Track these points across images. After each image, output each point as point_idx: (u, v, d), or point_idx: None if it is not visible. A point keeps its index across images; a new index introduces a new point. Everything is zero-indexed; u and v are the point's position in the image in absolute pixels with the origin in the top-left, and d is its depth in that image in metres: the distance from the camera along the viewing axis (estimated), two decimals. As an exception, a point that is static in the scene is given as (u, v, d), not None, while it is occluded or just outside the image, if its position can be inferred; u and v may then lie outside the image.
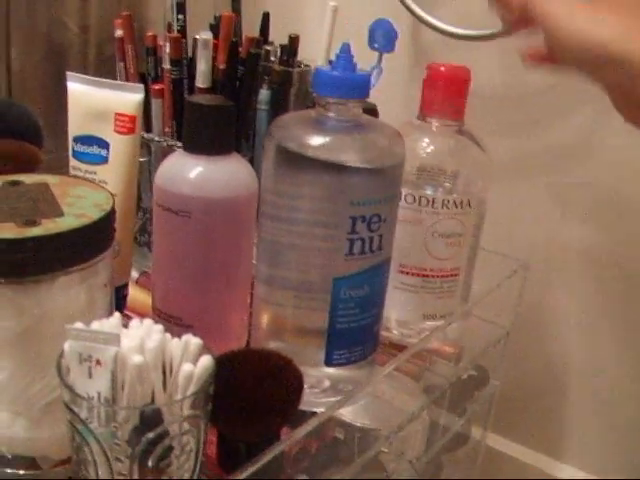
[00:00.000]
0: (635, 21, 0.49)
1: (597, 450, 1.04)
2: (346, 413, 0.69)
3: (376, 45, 0.63)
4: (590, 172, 0.92)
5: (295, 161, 0.60)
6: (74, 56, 0.97)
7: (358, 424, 0.69)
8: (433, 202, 0.73)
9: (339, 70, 0.59)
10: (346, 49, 0.59)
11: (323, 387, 0.66)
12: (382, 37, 0.63)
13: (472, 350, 0.83)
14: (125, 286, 0.76)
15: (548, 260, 0.98)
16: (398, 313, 0.77)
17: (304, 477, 0.66)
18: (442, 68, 0.74)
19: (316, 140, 0.59)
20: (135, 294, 0.79)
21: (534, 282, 0.92)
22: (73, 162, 0.72)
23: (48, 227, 0.50)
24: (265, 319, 0.67)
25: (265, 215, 0.64)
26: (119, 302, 0.75)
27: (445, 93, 0.74)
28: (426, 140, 0.75)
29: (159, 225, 0.65)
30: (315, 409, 0.61)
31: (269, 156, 0.62)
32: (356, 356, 0.65)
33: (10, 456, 0.55)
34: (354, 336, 0.64)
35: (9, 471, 0.55)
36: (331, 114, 0.60)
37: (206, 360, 0.48)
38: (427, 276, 0.76)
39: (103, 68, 0.84)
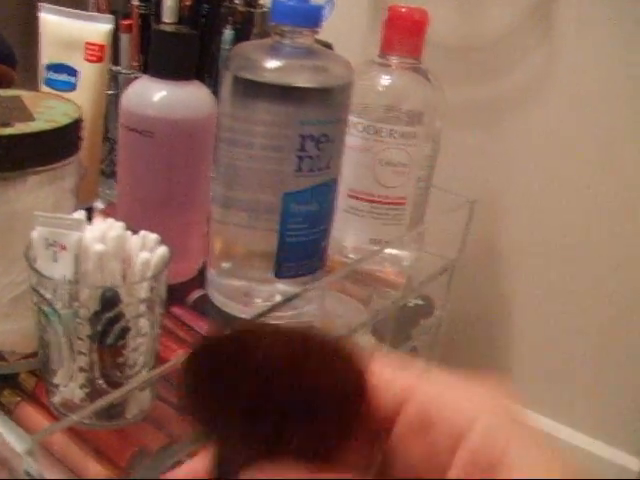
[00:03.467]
0: None
1: (542, 386, 1.10)
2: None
3: (329, -20, 0.68)
4: (538, 118, 0.97)
5: (249, 85, 0.64)
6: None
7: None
8: (380, 131, 0.78)
9: (294, 1, 0.64)
10: (301, -17, 0.64)
11: (274, 301, 0.71)
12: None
13: (419, 281, 0.88)
14: (91, 209, 0.80)
15: (498, 200, 1.03)
16: (349, 238, 0.83)
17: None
18: (402, 9, 0.79)
19: (269, 64, 0.64)
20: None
21: (485, 220, 0.98)
22: (44, 89, 0.76)
23: (20, 128, 0.54)
24: (220, 239, 0.72)
25: (222, 139, 0.68)
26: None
27: (404, 32, 0.79)
28: (384, 76, 0.81)
29: (124, 145, 0.70)
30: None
31: (226, 83, 0.67)
32: (304, 270, 0.70)
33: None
34: (302, 250, 0.69)
35: (-23, 362, 0.60)
36: (286, 41, 0.65)
37: (162, 250, 0.53)
38: (374, 202, 0.81)
39: (77, 7, 0.87)
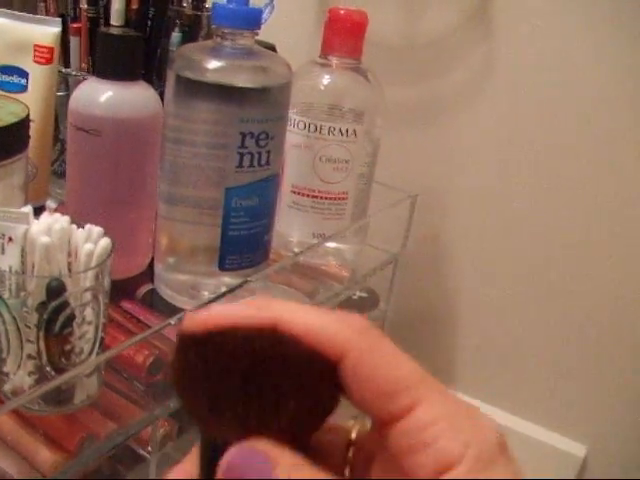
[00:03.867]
0: None
1: (487, 378, 1.13)
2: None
3: (269, -17, 0.71)
4: (478, 116, 1.01)
5: (191, 85, 0.67)
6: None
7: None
8: (321, 129, 0.82)
9: (233, 4, 0.67)
10: (240, -14, 0.67)
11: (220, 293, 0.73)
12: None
13: (363, 274, 0.91)
14: (42, 208, 0.82)
15: (441, 197, 1.06)
16: (294, 232, 0.86)
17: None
18: (342, 11, 0.82)
19: (210, 64, 0.67)
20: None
21: (429, 217, 1.02)
22: (-5, 91, 0.79)
23: (-33, 127, 0.56)
24: (166, 235, 0.74)
25: (167, 138, 0.71)
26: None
27: (343, 33, 0.82)
28: (325, 76, 0.84)
29: (72, 144, 0.72)
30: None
31: (170, 83, 0.70)
32: (247, 262, 0.73)
33: None
34: (245, 243, 0.72)
35: None
36: (226, 43, 0.68)
37: (104, 241, 0.56)
38: (316, 197, 0.84)
39: (26, 10, 0.89)
